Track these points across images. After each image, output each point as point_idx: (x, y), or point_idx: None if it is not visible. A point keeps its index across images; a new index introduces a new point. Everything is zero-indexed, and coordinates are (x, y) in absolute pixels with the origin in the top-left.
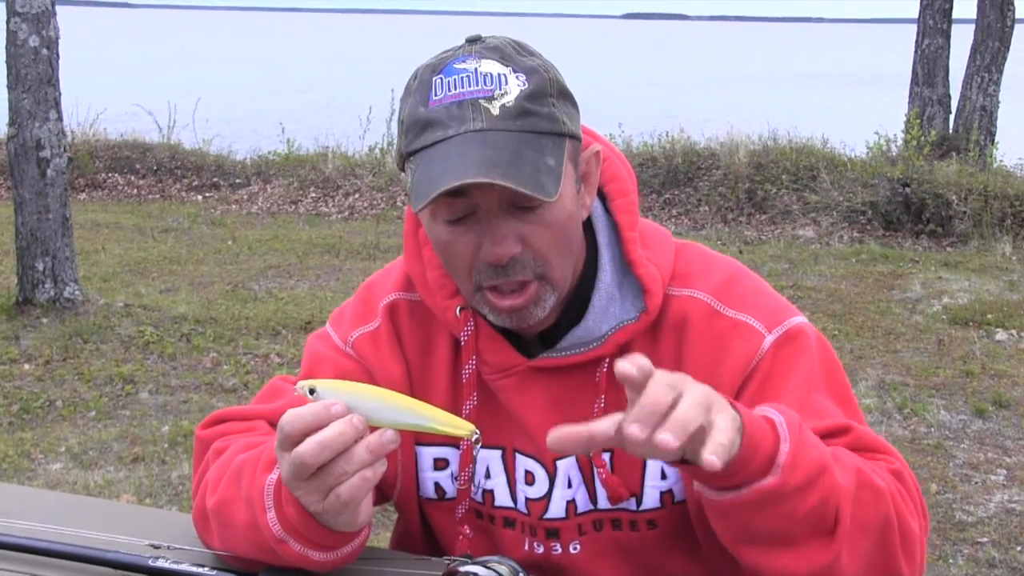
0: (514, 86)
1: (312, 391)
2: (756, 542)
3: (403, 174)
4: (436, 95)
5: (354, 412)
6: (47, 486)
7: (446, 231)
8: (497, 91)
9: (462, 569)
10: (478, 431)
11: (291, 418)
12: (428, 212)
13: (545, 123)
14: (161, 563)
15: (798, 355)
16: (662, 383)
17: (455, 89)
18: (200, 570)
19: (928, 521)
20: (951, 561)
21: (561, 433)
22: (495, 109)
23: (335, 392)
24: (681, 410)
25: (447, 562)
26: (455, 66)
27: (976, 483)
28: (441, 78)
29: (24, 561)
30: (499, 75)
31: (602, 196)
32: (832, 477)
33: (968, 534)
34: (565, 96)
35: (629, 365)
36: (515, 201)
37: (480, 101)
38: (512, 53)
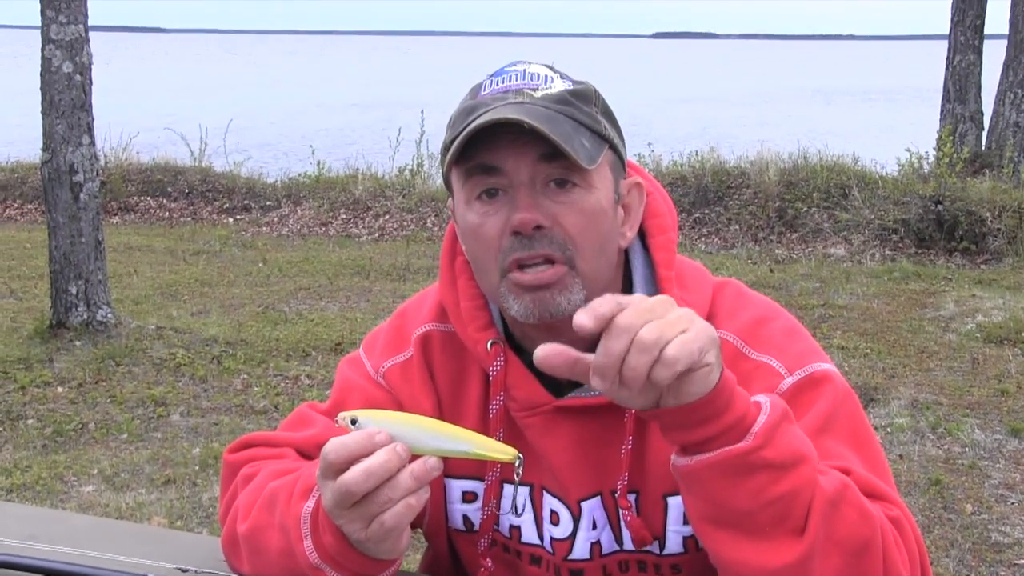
0: (559, 85)
1: (354, 421)
2: (722, 524)
3: (449, 194)
4: (484, 91)
5: (396, 440)
6: (80, 508)
7: (478, 212)
8: (542, 85)
9: None
10: (521, 455)
11: (335, 447)
12: (463, 197)
13: (585, 118)
14: None
15: (816, 400)
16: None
17: (502, 84)
18: None
19: None
20: None
21: (549, 349)
22: (537, 95)
23: (377, 422)
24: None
25: None
26: (506, 68)
27: (1012, 504)
28: (491, 78)
29: None
30: (546, 75)
31: (641, 233)
32: (810, 471)
33: (1004, 555)
34: (610, 116)
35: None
36: (548, 178)
37: (525, 90)
38: (562, 72)
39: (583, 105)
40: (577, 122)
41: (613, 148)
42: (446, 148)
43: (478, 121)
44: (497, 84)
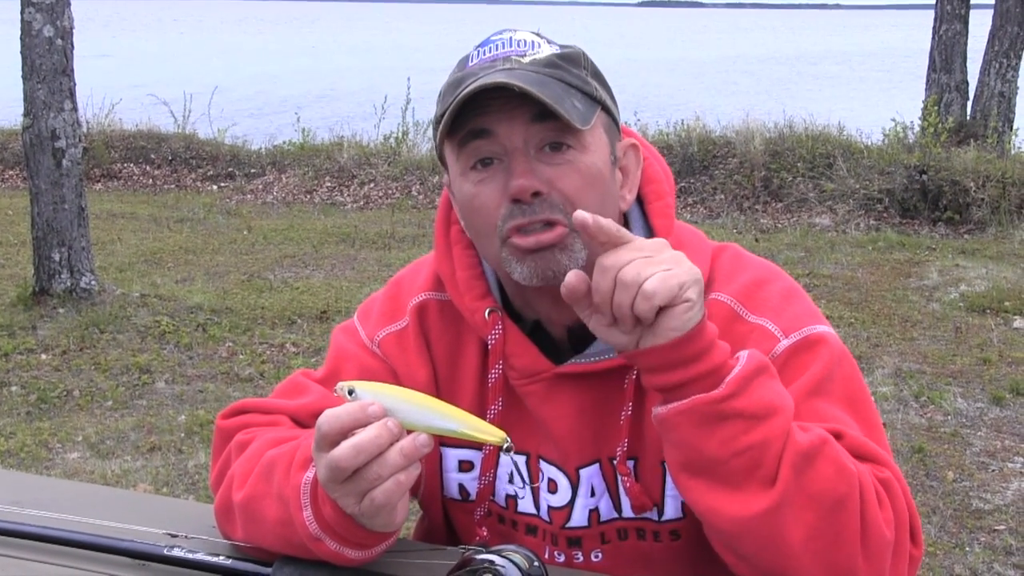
0: (547, 49)
1: (351, 392)
2: (696, 472)
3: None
4: (472, 62)
5: (390, 414)
6: (65, 475)
7: (473, 182)
8: (529, 51)
9: (477, 557)
10: (509, 439)
11: (328, 418)
12: (458, 169)
13: (575, 80)
14: (176, 552)
15: (811, 362)
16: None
17: (490, 53)
18: (215, 559)
19: (920, 549)
20: (967, 549)
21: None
22: (525, 60)
23: (373, 394)
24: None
25: (462, 551)
26: (492, 38)
27: (993, 471)
28: (479, 49)
29: (41, 550)
30: (533, 41)
31: (639, 199)
32: (783, 423)
33: (985, 522)
34: (600, 78)
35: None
36: (543, 142)
37: (512, 56)
38: (549, 37)
39: (572, 68)
40: (567, 84)
41: (606, 110)
42: (437, 121)
43: (469, 88)
44: (484, 54)
